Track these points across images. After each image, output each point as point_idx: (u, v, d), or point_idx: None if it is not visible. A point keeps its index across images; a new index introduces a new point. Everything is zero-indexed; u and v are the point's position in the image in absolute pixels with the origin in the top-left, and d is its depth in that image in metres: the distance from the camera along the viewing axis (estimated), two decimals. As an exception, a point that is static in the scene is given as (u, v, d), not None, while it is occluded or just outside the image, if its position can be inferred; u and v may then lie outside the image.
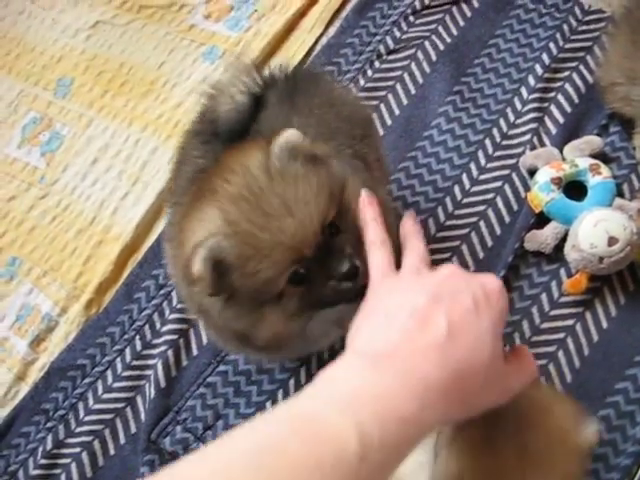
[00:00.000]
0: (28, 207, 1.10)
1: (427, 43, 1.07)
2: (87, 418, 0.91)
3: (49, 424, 0.92)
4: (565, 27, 1.03)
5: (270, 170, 0.57)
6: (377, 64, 1.08)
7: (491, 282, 0.52)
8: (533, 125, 0.96)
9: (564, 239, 0.86)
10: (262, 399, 0.88)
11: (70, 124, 1.15)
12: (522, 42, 1.04)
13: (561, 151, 0.93)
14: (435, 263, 0.56)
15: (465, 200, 0.95)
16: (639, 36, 0.88)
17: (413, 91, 1.04)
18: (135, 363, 0.93)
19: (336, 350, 0.77)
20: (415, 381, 0.45)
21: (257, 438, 0.42)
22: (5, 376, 0.97)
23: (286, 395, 0.87)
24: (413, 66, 1.06)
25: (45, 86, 1.20)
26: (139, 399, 0.91)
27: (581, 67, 1.00)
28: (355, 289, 0.57)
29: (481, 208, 0.94)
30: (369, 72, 1.07)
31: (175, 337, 0.92)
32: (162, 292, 0.97)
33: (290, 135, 0.58)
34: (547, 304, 0.87)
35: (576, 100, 0.98)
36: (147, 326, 0.95)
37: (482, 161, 0.97)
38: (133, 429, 0.90)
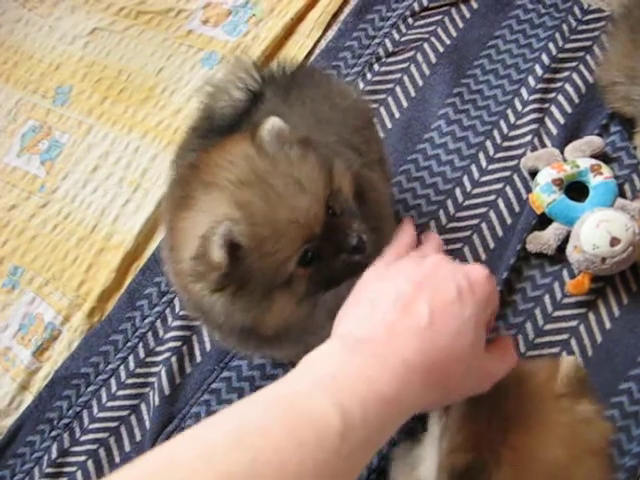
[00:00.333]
0: (29, 216, 1.10)
1: (426, 45, 1.07)
2: (92, 426, 0.91)
3: (54, 433, 0.92)
4: (564, 27, 1.03)
5: (268, 154, 0.58)
6: (376, 67, 1.07)
7: (476, 272, 0.53)
8: (534, 126, 0.96)
9: (566, 240, 0.87)
10: (266, 405, 0.87)
11: (69, 132, 1.15)
12: (521, 43, 1.04)
13: (562, 152, 0.93)
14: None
15: (467, 202, 0.95)
16: (639, 35, 0.88)
17: (413, 93, 1.04)
18: (139, 371, 0.93)
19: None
20: (396, 364, 0.47)
21: (241, 419, 0.43)
22: (9, 386, 0.97)
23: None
24: (412, 68, 1.06)
25: (44, 94, 1.20)
26: (143, 407, 0.91)
27: (581, 67, 1.00)
28: (363, 263, 0.58)
29: (483, 210, 0.94)
30: (368, 75, 1.07)
31: (178, 344, 0.92)
32: (164, 299, 0.97)
33: (273, 122, 0.58)
34: (550, 305, 0.87)
35: (576, 100, 0.98)
36: (150, 333, 0.95)
37: (483, 163, 0.97)
38: (138, 437, 0.90)
